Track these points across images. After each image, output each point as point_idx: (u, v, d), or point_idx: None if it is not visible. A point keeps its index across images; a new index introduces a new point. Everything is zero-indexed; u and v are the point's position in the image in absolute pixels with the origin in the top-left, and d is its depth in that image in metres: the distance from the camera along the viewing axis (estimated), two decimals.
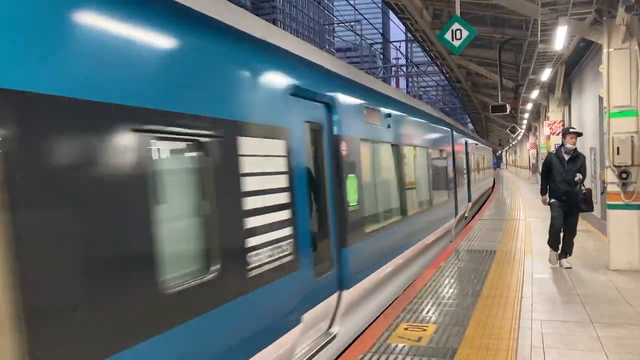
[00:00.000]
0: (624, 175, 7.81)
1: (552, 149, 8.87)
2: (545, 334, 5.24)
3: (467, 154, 16.60)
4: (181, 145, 3.14)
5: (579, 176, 7.88)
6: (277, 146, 4.02)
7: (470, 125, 58.59)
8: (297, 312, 4.20)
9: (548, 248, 8.39)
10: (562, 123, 17.01)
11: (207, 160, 3.19)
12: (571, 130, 8.31)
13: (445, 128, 12.65)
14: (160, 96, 2.85)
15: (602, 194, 10.19)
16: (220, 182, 3.29)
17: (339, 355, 4.93)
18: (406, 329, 5.42)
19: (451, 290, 6.96)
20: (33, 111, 2.14)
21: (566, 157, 8.04)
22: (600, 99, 9.36)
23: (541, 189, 8.53)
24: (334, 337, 4.99)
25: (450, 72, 24.68)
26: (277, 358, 3.84)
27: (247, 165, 3.58)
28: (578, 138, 8.10)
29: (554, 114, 17.30)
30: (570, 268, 8.12)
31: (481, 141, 27.55)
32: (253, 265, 3.56)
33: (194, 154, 3.18)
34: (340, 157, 5.32)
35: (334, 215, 5.13)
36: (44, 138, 2.18)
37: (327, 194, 5.06)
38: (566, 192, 7.97)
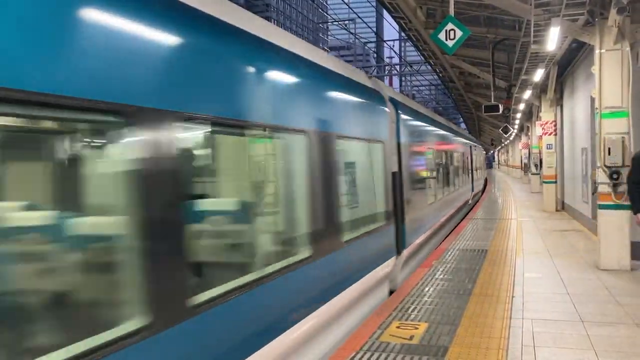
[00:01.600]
0: (614, 176, 7.87)
1: None
2: (536, 332, 5.28)
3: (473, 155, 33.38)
4: (461, 154, 20.14)
5: None
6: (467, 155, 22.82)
7: (463, 125, 58.77)
8: (470, 194, 21.67)
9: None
10: (554, 123, 17.13)
11: (470, 160, 23.64)
12: None
13: (479, 146, 27.88)
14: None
15: (593, 194, 10.26)
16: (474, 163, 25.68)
17: (333, 354, 4.95)
18: (398, 327, 5.45)
19: (443, 289, 6.99)
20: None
21: None
22: (592, 99, 9.41)
23: (632, 202, 6.42)
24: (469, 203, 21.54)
25: (444, 72, 24.74)
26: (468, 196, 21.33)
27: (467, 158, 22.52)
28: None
29: (546, 114, 17.38)
30: None
31: (485, 149, 53.40)
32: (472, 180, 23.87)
33: (478, 159, 28.35)
34: (472, 158, 24.08)
35: (472, 173, 23.11)
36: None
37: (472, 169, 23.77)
38: None
